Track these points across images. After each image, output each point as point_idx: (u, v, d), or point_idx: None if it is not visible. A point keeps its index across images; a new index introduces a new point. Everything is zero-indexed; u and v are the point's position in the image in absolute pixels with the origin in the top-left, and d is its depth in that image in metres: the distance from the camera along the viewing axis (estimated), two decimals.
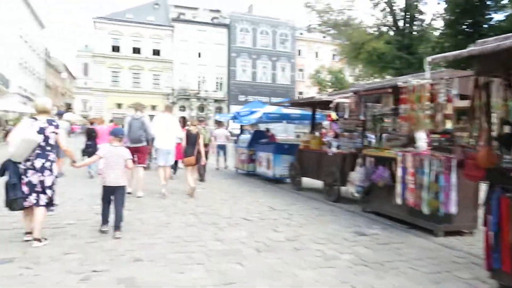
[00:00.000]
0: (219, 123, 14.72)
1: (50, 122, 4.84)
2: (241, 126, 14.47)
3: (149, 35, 50.89)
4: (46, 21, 57.13)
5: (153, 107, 49.39)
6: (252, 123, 12.15)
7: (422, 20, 19.70)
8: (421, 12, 19.18)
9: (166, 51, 51.45)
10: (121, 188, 5.34)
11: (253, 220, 6.36)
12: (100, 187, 5.46)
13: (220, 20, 55.43)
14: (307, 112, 11.07)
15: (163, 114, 8.95)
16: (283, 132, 40.23)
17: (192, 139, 8.56)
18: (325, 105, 9.00)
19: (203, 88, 53.09)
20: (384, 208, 6.70)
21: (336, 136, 7.30)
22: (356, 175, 7.06)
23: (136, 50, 50.81)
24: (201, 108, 52.73)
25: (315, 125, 10.49)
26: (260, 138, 12.68)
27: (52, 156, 4.82)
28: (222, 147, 14.20)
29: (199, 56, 53.17)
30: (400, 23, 19.80)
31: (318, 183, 10.00)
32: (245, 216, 6.58)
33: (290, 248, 4.82)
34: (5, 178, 4.67)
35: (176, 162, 10.66)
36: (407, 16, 19.20)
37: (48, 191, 4.75)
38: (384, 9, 19.88)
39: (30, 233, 4.71)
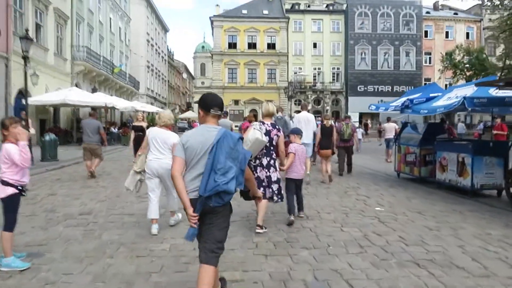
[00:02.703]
0: (389, 118, 15.18)
1: (273, 125, 5.40)
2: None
3: (264, 29, 49.95)
4: (169, 24, 60.33)
5: (269, 102, 48.22)
6: (437, 113, 9.10)
7: None
8: None
9: (280, 44, 49.98)
10: (303, 179, 6.02)
11: None
12: None
13: (336, 7, 51.89)
14: None
15: (302, 112, 10.00)
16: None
17: (326, 132, 9.61)
18: None
19: (319, 80, 50.45)
20: None
21: None
22: None
23: (252, 45, 50.27)
24: (317, 101, 50.12)
25: None
26: (436, 133, 9.59)
27: (274, 155, 5.40)
28: (389, 141, 14.50)
29: (315, 46, 50.57)
30: None
31: None
32: None
33: None
34: None
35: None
36: None
37: (274, 186, 5.33)
38: None
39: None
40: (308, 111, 10.73)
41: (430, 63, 51.60)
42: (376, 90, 49.41)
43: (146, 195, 7.59)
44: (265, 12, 50.71)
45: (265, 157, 5.31)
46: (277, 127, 5.44)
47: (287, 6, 51.47)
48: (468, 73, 39.16)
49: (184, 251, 4.38)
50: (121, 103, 23.67)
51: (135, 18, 41.94)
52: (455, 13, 54.11)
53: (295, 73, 49.48)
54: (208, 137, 2.77)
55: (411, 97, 9.23)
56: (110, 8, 34.08)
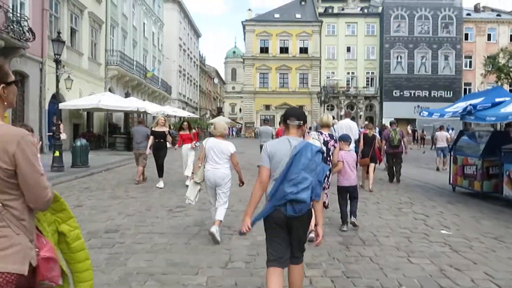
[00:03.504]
0: (441, 127, 14.92)
1: (331, 136, 5.37)
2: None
3: (296, 33, 49.17)
4: (201, 29, 60.64)
5: (300, 107, 47.52)
6: (508, 121, 8.03)
7: None
8: None
9: (313, 48, 49.03)
10: (356, 187, 5.88)
11: None
12: None
13: (371, 10, 50.40)
14: None
15: (345, 119, 9.89)
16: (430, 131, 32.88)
17: (368, 141, 9.73)
18: None
19: (352, 84, 49.08)
20: None
21: None
22: None
23: (284, 50, 49.57)
24: (351, 107, 48.68)
25: None
26: (500, 143, 8.47)
27: (330, 165, 5.24)
28: (443, 149, 14.29)
29: (348, 50, 49.27)
30: None
31: None
32: None
33: None
34: None
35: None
36: None
37: (324, 195, 5.23)
38: None
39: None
40: (353, 119, 10.58)
41: (470, 67, 49.13)
42: (412, 95, 47.57)
43: (178, 209, 7.04)
44: (298, 16, 49.94)
45: None
46: (334, 137, 5.42)
47: (320, 10, 50.51)
48: None
49: (223, 287, 3.64)
50: (152, 108, 23.43)
51: (168, 23, 42.12)
52: (498, 15, 51.45)
53: (327, 77, 48.37)
54: (289, 148, 2.82)
55: (473, 102, 8.16)
56: (144, 13, 34.25)
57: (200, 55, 63.83)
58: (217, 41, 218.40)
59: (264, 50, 49.65)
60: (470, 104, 7.99)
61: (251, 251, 4.69)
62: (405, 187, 10.13)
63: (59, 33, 12.75)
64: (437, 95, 47.51)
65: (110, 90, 24.71)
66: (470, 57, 49.29)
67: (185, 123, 10.31)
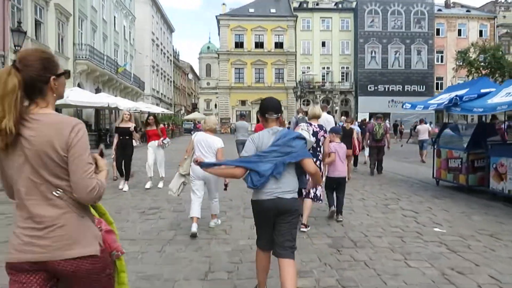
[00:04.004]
0: (421, 120, 15.71)
1: (321, 127, 5.47)
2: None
3: (271, 28, 48.76)
4: (174, 24, 59.32)
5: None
6: (497, 112, 7.80)
7: None
8: None
9: (288, 43, 48.78)
10: (345, 178, 6.03)
11: None
12: None
13: (345, 5, 50.53)
14: None
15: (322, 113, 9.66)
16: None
17: (346, 133, 9.47)
18: None
19: (327, 79, 49.15)
20: None
21: None
22: None
23: (259, 45, 49.08)
24: (326, 101, 48.76)
25: None
26: (485, 135, 8.28)
27: (320, 156, 5.45)
28: (424, 141, 14.83)
29: (323, 45, 49.29)
30: None
31: None
32: None
33: None
34: None
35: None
36: None
37: (318, 187, 5.33)
38: None
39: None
40: (329, 113, 10.30)
41: (442, 61, 50.10)
42: (386, 89, 48.13)
43: (151, 211, 6.48)
44: (273, 10, 49.52)
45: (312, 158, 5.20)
46: (324, 128, 5.49)
47: (295, 5, 50.29)
48: (483, 72, 37.82)
49: None
50: (124, 103, 22.47)
51: (140, 17, 40.87)
52: (468, 11, 52.66)
53: (303, 72, 48.27)
54: (271, 138, 2.94)
55: (459, 93, 7.91)
56: (114, 6, 32.99)
57: (173, 50, 62.53)
58: (191, 36, 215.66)
59: (239, 45, 49.02)
60: (456, 96, 7.73)
61: (233, 257, 4.21)
62: (389, 182, 9.88)
63: (19, 23, 11.83)
64: (411, 89, 48.26)
65: (79, 86, 23.54)
66: (442, 52, 50.24)
67: (151, 118, 9.18)
